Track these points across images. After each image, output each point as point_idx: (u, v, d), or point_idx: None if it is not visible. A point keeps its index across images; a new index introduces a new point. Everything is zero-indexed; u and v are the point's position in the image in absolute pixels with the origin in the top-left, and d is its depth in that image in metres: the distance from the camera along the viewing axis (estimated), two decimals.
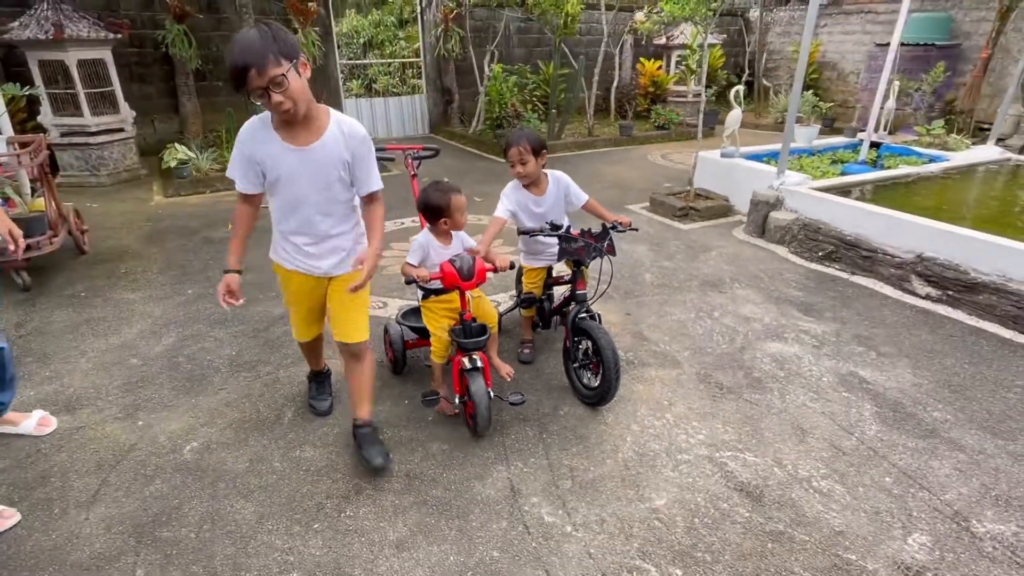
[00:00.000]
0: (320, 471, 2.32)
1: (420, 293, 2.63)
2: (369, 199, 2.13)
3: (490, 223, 2.70)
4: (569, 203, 2.90)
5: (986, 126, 8.09)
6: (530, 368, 3.04)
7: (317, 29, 8.23)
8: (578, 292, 2.74)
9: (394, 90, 10.76)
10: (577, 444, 2.48)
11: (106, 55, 6.40)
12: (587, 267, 2.80)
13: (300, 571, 1.89)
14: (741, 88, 5.95)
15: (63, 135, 6.35)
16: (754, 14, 11.90)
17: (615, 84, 10.21)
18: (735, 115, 5.73)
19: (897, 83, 6.94)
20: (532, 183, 2.81)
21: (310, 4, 7.77)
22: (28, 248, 3.81)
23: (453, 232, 2.57)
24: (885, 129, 6.76)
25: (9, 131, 4.69)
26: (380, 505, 2.15)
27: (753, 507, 2.14)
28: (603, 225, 2.76)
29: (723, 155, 5.84)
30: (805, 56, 4.68)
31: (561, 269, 3.12)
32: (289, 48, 1.77)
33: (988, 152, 6.17)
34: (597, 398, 2.65)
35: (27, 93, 4.15)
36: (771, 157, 5.96)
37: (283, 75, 1.74)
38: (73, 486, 2.24)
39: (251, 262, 4.32)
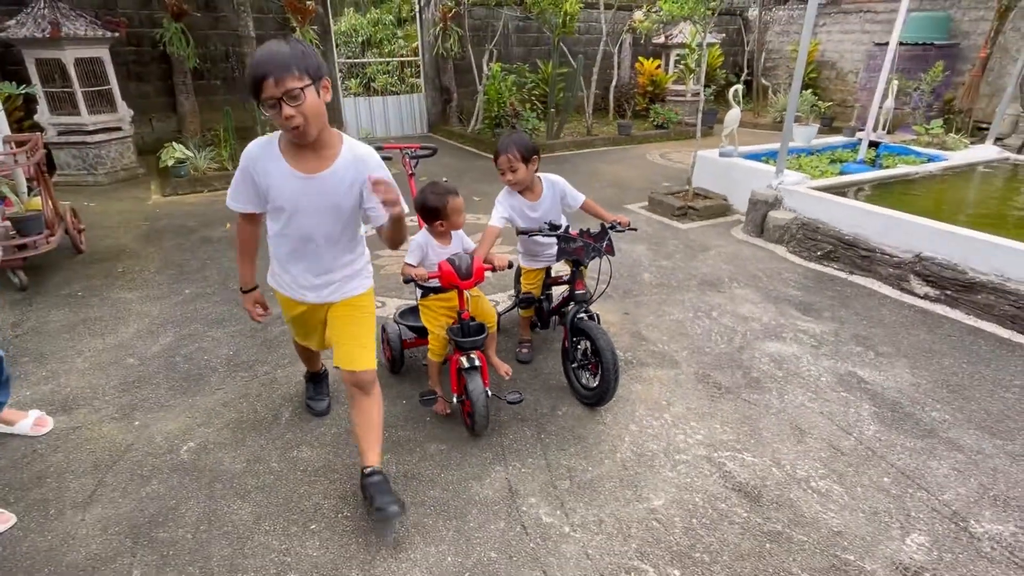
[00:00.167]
0: (317, 471, 2.32)
1: (419, 292, 2.62)
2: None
3: (485, 233, 2.65)
4: (566, 206, 2.87)
5: (984, 125, 8.10)
6: (528, 368, 3.04)
7: (315, 28, 8.21)
8: (577, 292, 2.74)
9: (392, 89, 10.75)
10: (575, 444, 2.47)
11: (103, 54, 6.38)
12: (586, 267, 2.79)
13: (297, 572, 1.88)
14: (740, 87, 5.95)
15: (60, 134, 6.33)
16: (753, 13, 11.90)
17: (614, 83, 10.20)
18: (734, 114, 5.73)
19: (896, 82, 6.94)
20: (526, 188, 2.76)
21: (308, 3, 7.75)
22: (25, 247, 3.80)
23: (452, 232, 2.56)
24: (884, 128, 6.76)
25: (6, 130, 4.67)
26: None
27: (751, 507, 2.14)
28: (602, 225, 2.75)
29: (722, 154, 5.83)
30: (804, 55, 4.68)
31: (560, 269, 3.12)
32: (314, 66, 1.67)
33: (986, 151, 6.18)
34: (596, 398, 2.65)
35: (24, 91, 4.14)
36: (770, 156, 5.96)
37: (300, 89, 1.64)
38: (69, 487, 2.23)
39: None
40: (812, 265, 4.40)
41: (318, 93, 1.70)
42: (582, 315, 2.68)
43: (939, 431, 2.54)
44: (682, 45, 9.76)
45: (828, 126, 9.70)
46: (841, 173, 5.57)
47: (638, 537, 2.02)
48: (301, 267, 2.01)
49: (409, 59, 10.74)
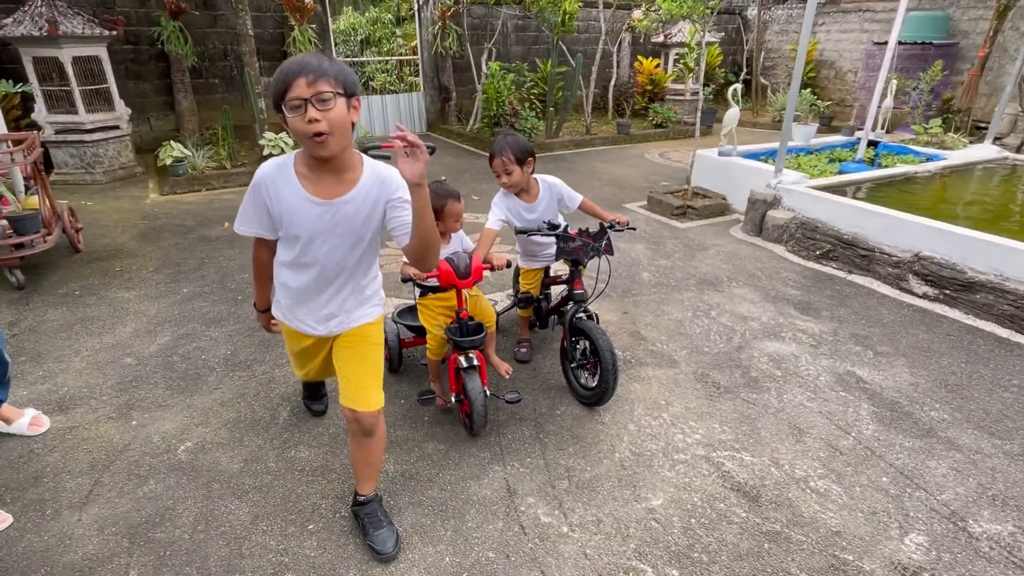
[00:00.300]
0: (315, 471, 2.31)
1: (417, 291, 2.62)
2: None
3: (482, 236, 2.63)
4: (563, 207, 2.86)
5: (983, 125, 8.11)
6: (527, 367, 3.03)
7: (314, 26, 8.19)
8: (575, 292, 2.73)
9: (391, 88, 10.73)
10: (574, 444, 2.47)
11: (101, 52, 6.35)
12: (584, 266, 2.78)
13: (294, 572, 1.88)
14: (739, 86, 5.94)
15: (58, 132, 6.31)
16: (752, 12, 11.89)
17: (613, 82, 10.19)
18: (733, 113, 5.72)
19: (895, 82, 6.94)
20: (522, 190, 2.74)
21: (306, 1, 7.73)
22: (22, 246, 3.79)
23: (452, 232, 2.55)
24: (883, 128, 6.76)
25: (3, 128, 4.66)
26: None
27: (750, 507, 2.14)
28: (600, 224, 2.74)
29: (721, 153, 5.83)
30: (803, 54, 4.67)
31: (558, 268, 3.11)
32: (351, 81, 1.58)
33: (985, 151, 6.18)
34: (595, 398, 2.64)
35: (20, 90, 4.12)
36: (769, 155, 5.96)
37: (333, 94, 1.52)
38: (66, 487, 2.22)
39: (244, 260, 4.31)
40: (811, 264, 4.39)
41: (348, 108, 1.58)
42: (581, 314, 2.67)
43: (938, 431, 2.54)
44: (681, 44, 9.75)
45: (827, 125, 9.70)
46: (840, 172, 5.57)
47: (636, 537, 2.01)
48: (312, 298, 1.84)
49: (408, 58, 10.72)
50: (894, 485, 2.24)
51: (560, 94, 8.75)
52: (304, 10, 7.68)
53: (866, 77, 9.53)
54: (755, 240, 4.90)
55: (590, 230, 2.68)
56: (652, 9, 8.68)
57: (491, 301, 3.38)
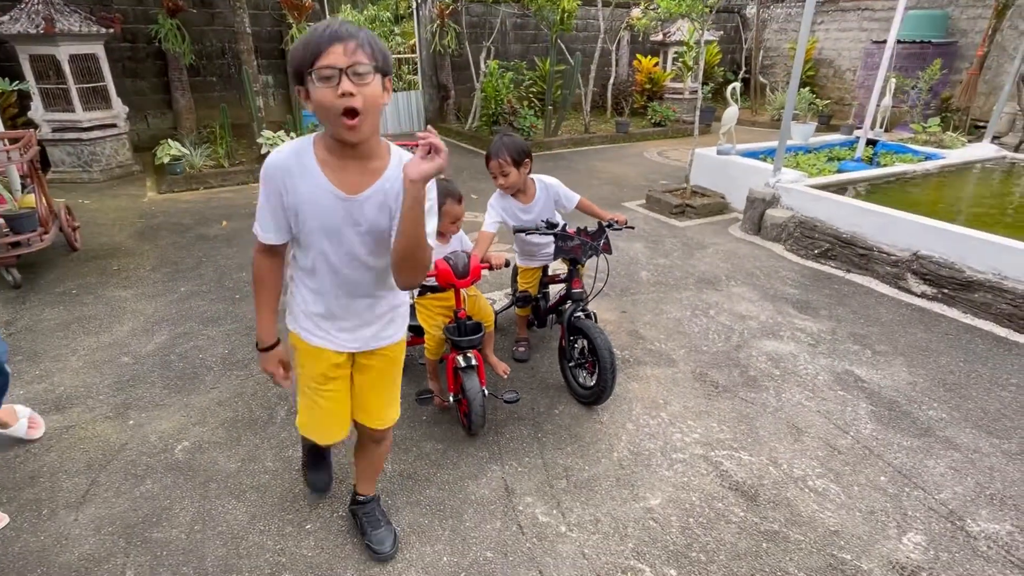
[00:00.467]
0: None
1: (415, 290, 2.61)
2: None
3: (479, 238, 2.62)
4: (561, 207, 2.85)
5: (982, 124, 8.11)
6: (525, 366, 3.03)
7: (312, 24, 8.17)
8: (574, 291, 2.72)
9: None
10: (572, 443, 2.46)
11: (98, 50, 6.33)
12: (583, 265, 2.78)
13: (292, 572, 1.87)
14: (737, 85, 5.94)
15: (55, 131, 6.28)
16: (751, 11, 11.87)
17: (611, 81, 10.18)
18: (731, 112, 5.72)
19: (893, 80, 6.94)
20: (519, 191, 2.74)
21: None
22: (18, 245, 3.77)
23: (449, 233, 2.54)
24: (881, 126, 6.76)
25: None
26: None
27: (748, 507, 2.13)
28: (599, 223, 2.74)
29: (719, 152, 5.82)
30: (802, 53, 4.67)
31: (557, 267, 3.11)
32: (385, 57, 1.38)
33: (984, 150, 6.18)
34: (593, 397, 2.64)
35: (17, 88, 4.11)
36: (767, 154, 5.96)
37: (371, 67, 1.32)
38: (62, 486, 2.21)
39: (242, 259, 4.30)
40: (809, 263, 4.39)
41: (382, 88, 1.39)
42: (579, 313, 2.66)
43: (936, 430, 2.54)
44: (680, 43, 9.75)
45: (826, 124, 9.70)
46: (838, 171, 5.57)
47: (635, 536, 2.01)
48: (341, 308, 1.60)
49: (406, 56, 10.70)
50: (892, 484, 2.24)
51: (559, 93, 8.73)
52: (302, 8, 7.66)
53: (865, 76, 9.53)
54: (754, 239, 4.90)
55: (588, 229, 2.67)
56: (651, 7, 8.68)
57: (489, 300, 3.37)
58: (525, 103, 9.06)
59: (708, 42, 9.99)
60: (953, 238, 3.69)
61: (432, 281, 2.39)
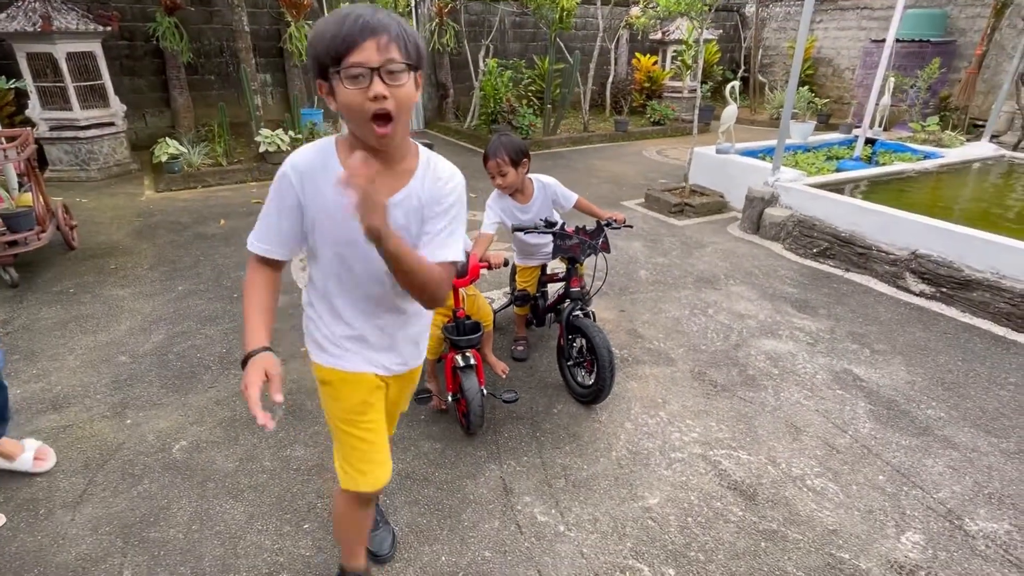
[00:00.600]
0: (311, 470, 2.30)
1: None
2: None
3: (478, 239, 2.60)
4: (559, 207, 2.84)
5: (980, 123, 8.12)
6: (524, 366, 3.02)
7: (310, 23, 8.15)
8: (572, 290, 2.72)
9: None
10: (570, 442, 2.46)
11: (95, 48, 6.31)
12: (582, 264, 2.77)
13: (290, 572, 1.87)
14: (736, 84, 5.93)
15: (52, 129, 6.26)
16: (750, 10, 11.87)
17: (610, 79, 10.17)
18: (731, 111, 5.71)
19: (892, 79, 6.94)
20: (516, 191, 2.73)
21: None
22: (15, 244, 3.76)
23: None
24: (880, 125, 6.76)
25: None
26: None
27: (747, 506, 2.13)
28: (598, 222, 2.73)
29: (718, 151, 5.82)
30: (801, 52, 4.67)
31: (555, 266, 3.10)
32: (419, 50, 1.22)
33: (982, 149, 6.18)
34: (591, 396, 2.63)
35: (14, 86, 4.09)
36: (766, 153, 5.95)
37: (405, 65, 1.17)
38: (59, 486, 2.20)
39: (240, 258, 4.29)
40: (808, 262, 4.39)
41: (415, 86, 1.24)
42: (578, 312, 2.66)
43: (934, 429, 2.54)
44: (679, 41, 9.75)
45: (824, 123, 9.70)
46: (837, 170, 5.57)
47: (633, 536, 2.01)
48: (367, 323, 1.45)
49: None
50: (891, 483, 2.24)
51: (558, 91, 8.72)
52: (301, 6, 7.63)
53: (864, 75, 9.53)
54: (752, 238, 4.89)
55: (587, 228, 2.66)
56: (650, 6, 8.67)
57: (488, 299, 3.37)
58: (524, 102, 9.05)
59: (707, 41, 9.99)
60: (952, 237, 3.69)
61: None
